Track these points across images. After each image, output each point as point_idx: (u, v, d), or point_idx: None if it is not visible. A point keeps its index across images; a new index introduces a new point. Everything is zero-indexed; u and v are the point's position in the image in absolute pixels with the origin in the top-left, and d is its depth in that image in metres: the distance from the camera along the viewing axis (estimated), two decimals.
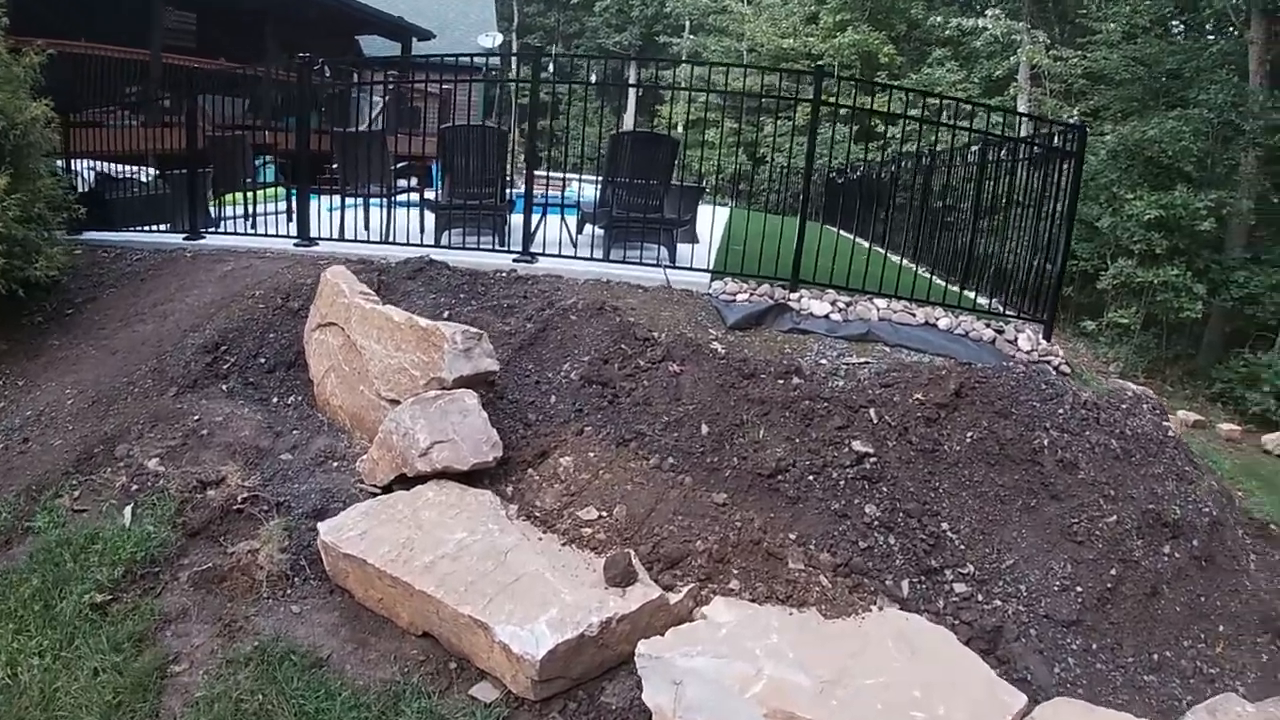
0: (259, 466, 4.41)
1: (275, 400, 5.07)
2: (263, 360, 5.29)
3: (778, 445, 4.36)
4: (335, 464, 4.61)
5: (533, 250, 6.26)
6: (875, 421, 4.49)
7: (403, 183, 7.87)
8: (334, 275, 5.03)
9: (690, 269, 6.13)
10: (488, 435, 4.09)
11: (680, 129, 23.39)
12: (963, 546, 4.17)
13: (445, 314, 5.35)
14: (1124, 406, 4.91)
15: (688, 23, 32.25)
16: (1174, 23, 17.28)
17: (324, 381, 4.88)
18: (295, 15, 13.06)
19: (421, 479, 4.00)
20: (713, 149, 17.76)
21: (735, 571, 3.83)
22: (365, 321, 4.61)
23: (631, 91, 25.05)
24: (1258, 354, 13.31)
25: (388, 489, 4.15)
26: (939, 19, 21.11)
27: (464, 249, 6.40)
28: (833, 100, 6.29)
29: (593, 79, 7.49)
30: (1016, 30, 17.75)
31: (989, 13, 19.68)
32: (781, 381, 4.72)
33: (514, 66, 8.01)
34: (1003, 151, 6.71)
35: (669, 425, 4.46)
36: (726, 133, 19.93)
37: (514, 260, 6.18)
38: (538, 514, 4.04)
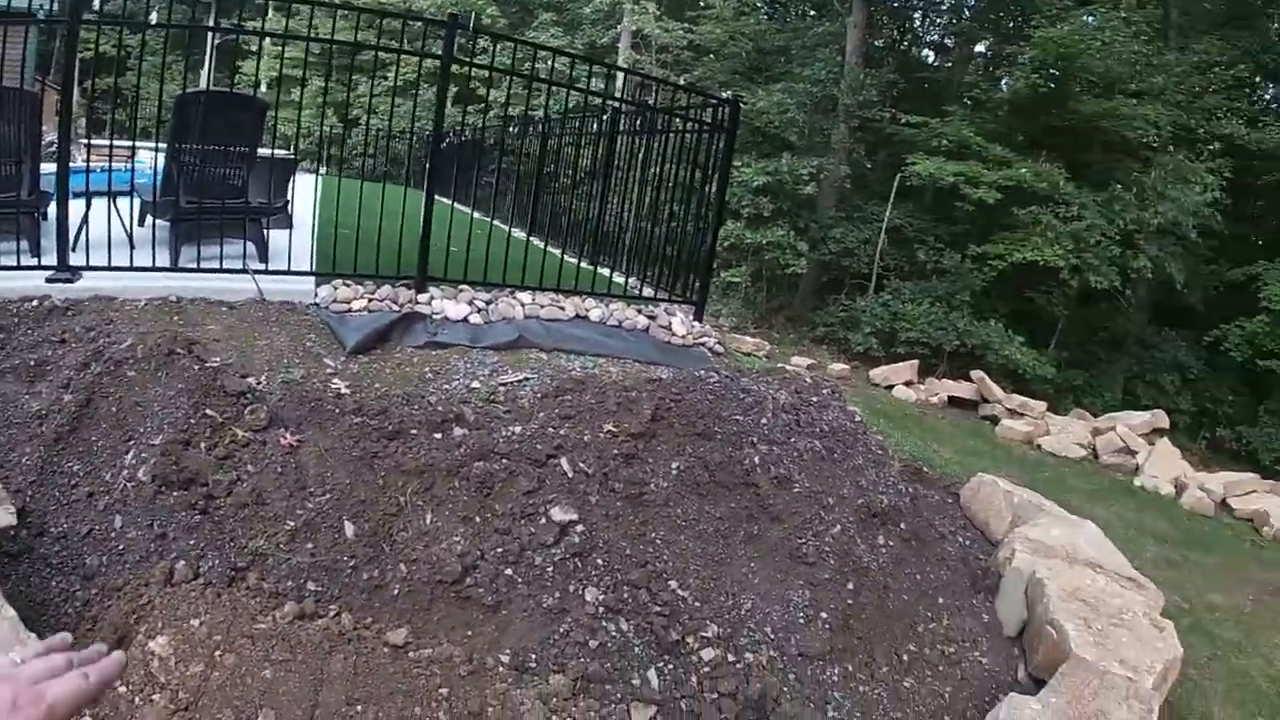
0: None
1: None
2: None
3: (455, 533, 3.49)
4: None
5: (73, 263, 4.50)
6: (570, 474, 3.77)
7: None
8: None
9: (289, 272, 4.88)
10: (18, 635, 2.63)
11: (265, 88, 20.95)
12: (698, 603, 3.70)
13: None
14: (815, 400, 4.68)
15: None
16: (778, 3, 19.32)
17: None
18: None
19: None
20: (300, 109, 16.21)
21: None
22: None
23: (209, 43, 21.81)
24: (855, 299, 15.51)
25: None
26: None
27: None
28: (468, 59, 5.32)
29: (153, 19, 5.66)
30: None
31: None
32: (441, 436, 3.82)
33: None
34: (639, 122, 6.29)
35: (298, 533, 3.35)
36: (316, 92, 18.26)
37: (48, 280, 4.40)
38: None
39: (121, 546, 3.22)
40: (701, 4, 18.56)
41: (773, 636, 3.73)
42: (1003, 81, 14.46)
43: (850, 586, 4.05)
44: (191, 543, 3.25)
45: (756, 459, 4.20)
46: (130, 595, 3.08)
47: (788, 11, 20.50)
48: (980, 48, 19.29)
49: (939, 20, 20.50)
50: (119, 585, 3.10)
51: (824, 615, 3.90)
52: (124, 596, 3.07)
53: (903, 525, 4.63)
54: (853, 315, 14.87)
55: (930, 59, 21.44)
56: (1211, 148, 15.46)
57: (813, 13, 19.99)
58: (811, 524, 4.13)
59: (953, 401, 12.41)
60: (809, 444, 4.45)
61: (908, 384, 12.81)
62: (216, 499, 3.38)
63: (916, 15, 20.88)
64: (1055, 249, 12.97)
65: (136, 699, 2.78)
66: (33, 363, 3.85)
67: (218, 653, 2.93)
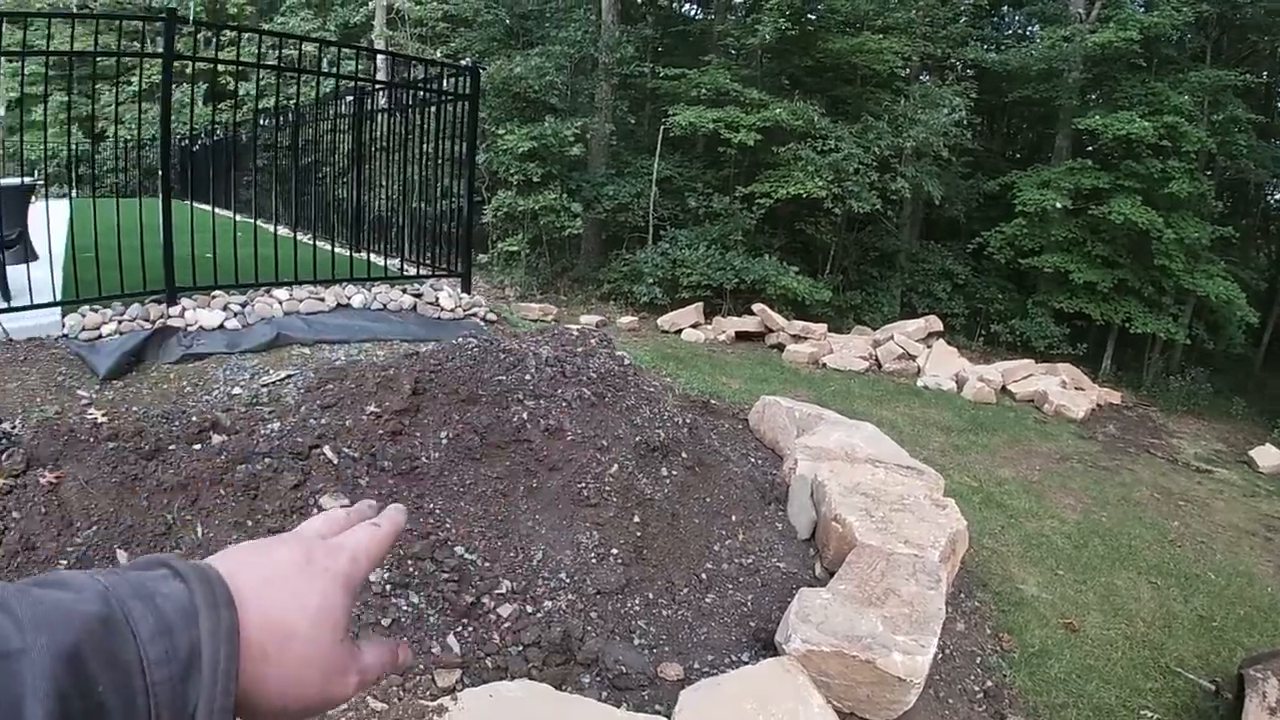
0: None
1: None
2: None
3: (228, 540, 3.42)
4: None
5: None
6: (336, 461, 3.73)
7: None
8: None
9: (33, 307, 4.62)
10: None
11: (3, 110, 19.00)
12: (488, 564, 3.77)
13: None
14: (581, 350, 4.82)
15: None
16: None
17: None
18: None
19: None
20: (39, 129, 14.89)
21: None
22: None
23: None
24: (635, 252, 15.90)
25: None
26: None
27: None
28: (193, 55, 5.03)
29: None
30: None
31: None
32: (199, 447, 3.72)
33: None
34: (387, 99, 6.22)
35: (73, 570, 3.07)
36: (58, 107, 16.81)
37: None
38: None
39: None
40: None
41: (568, 581, 3.87)
42: (758, 28, 15.06)
43: (637, 519, 4.23)
44: None
45: (525, 415, 4.31)
46: None
47: None
48: None
49: None
50: None
51: (615, 551, 4.06)
52: None
53: (684, 454, 4.83)
54: (635, 268, 15.18)
55: (691, 12, 22.06)
56: (960, 73, 16.80)
57: None
58: (589, 468, 4.28)
59: (740, 336, 13.01)
60: (577, 392, 4.59)
61: (695, 326, 13.30)
62: None
63: None
64: (817, 181, 13.68)
65: None
66: None
67: None
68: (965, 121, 15.08)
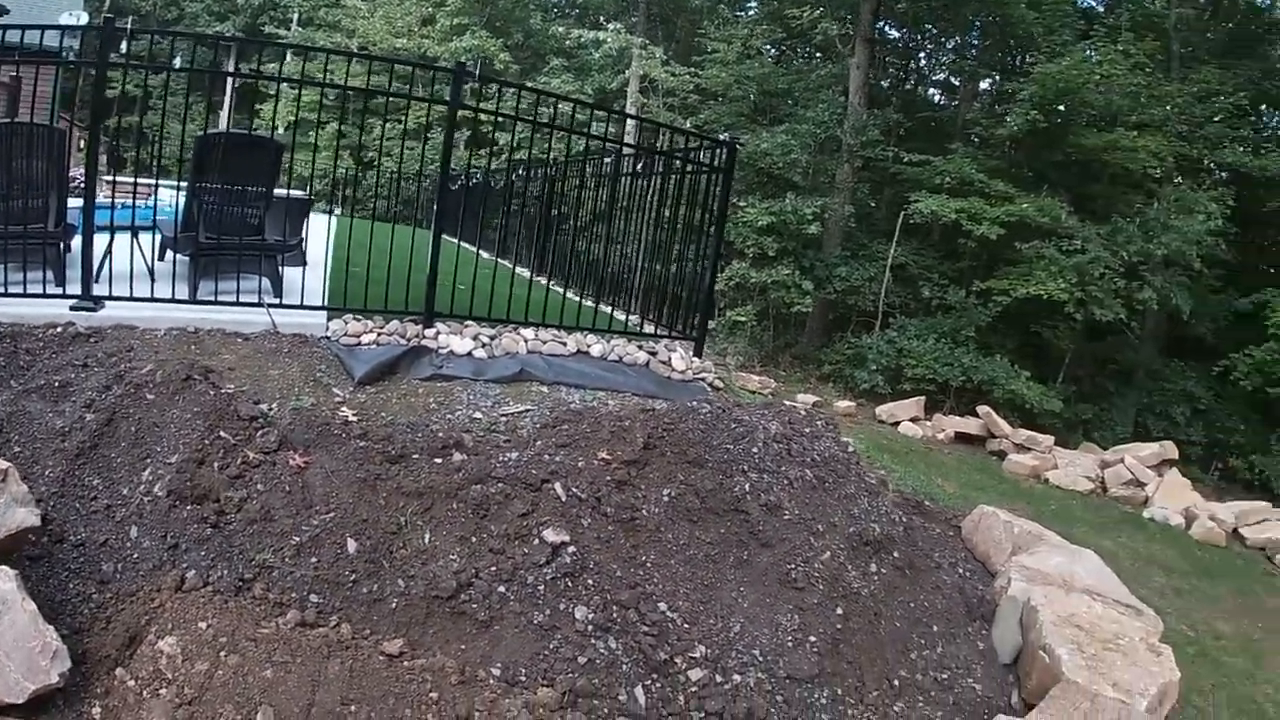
0: None
1: None
2: None
3: (452, 552, 3.64)
4: None
5: (96, 293, 4.75)
6: (564, 499, 3.92)
7: None
8: None
9: (302, 306, 5.09)
10: (43, 640, 2.80)
11: (282, 129, 21.71)
12: (686, 625, 3.81)
13: None
14: (808, 431, 4.80)
15: (296, 14, 30.88)
16: (782, 46, 19.73)
17: None
18: None
19: None
20: (317, 151, 16.85)
21: None
22: None
23: (229, 85, 22.47)
24: (861, 337, 15.59)
25: None
26: (560, 29, 22.56)
27: (4, 295, 4.63)
28: (474, 106, 5.48)
29: (176, 63, 5.96)
30: (633, 44, 18.74)
31: (610, 26, 21.49)
32: (440, 461, 3.98)
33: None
34: (640, 165, 6.49)
35: (303, 548, 3.52)
36: (332, 134, 19.01)
37: (72, 308, 4.65)
38: None
39: (136, 555, 3.41)
40: (708, 49, 18.95)
41: (761, 659, 3.83)
42: (1006, 118, 14.60)
43: (839, 611, 4.15)
44: (202, 554, 3.43)
45: (747, 486, 4.33)
46: (143, 599, 3.26)
47: (793, 55, 20.88)
48: (984, 85, 19.57)
49: (943, 59, 20.87)
50: (133, 590, 3.29)
51: (813, 639, 3.99)
52: (137, 600, 3.26)
53: (896, 554, 4.73)
54: (859, 353, 14.91)
55: (936, 98, 21.75)
56: (1216, 177, 15.53)
57: (818, 55, 20.38)
58: (801, 550, 4.24)
59: (959, 437, 12.36)
60: (800, 473, 4.57)
61: (914, 420, 12.80)
62: (227, 514, 3.58)
63: (921, 55, 21.27)
64: (1058, 283, 13.00)
65: (144, 692, 2.97)
66: (57, 384, 4.05)
67: (222, 653, 3.12)
68: (1221, 230, 13.91)
